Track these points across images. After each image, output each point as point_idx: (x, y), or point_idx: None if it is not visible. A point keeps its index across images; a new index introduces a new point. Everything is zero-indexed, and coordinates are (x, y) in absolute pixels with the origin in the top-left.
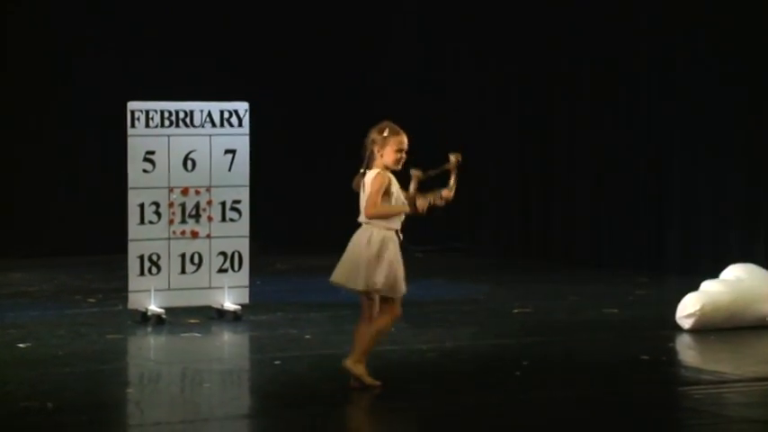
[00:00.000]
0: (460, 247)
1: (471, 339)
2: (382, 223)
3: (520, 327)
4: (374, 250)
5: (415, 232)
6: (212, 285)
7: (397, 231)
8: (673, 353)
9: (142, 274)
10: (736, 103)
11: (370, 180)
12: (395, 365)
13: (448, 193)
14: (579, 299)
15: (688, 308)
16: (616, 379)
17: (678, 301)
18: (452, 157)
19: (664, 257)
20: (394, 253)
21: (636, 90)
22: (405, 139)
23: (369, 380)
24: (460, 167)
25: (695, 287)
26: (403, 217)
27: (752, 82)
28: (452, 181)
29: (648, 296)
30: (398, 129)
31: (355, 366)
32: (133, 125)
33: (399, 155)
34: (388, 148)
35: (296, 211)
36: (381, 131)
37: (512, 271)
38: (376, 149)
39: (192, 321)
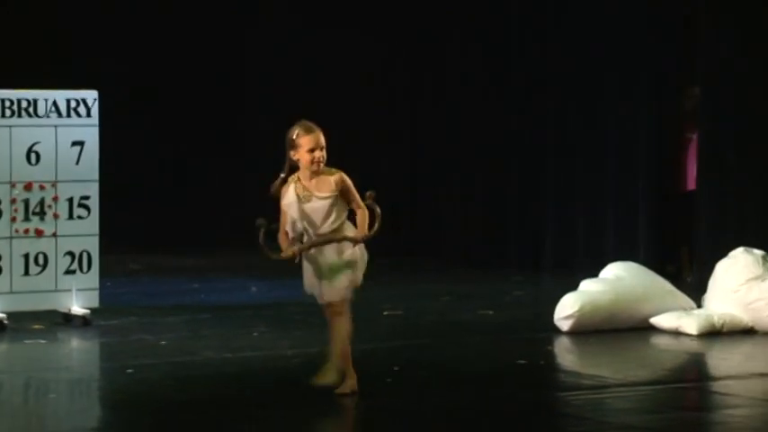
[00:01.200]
0: None
1: None
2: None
3: (390, 330)
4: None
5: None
6: (59, 288)
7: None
8: (551, 356)
9: None
10: (614, 99)
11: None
12: (257, 372)
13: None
14: (452, 300)
15: (566, 309)
16: (492, 385)
17: (556, 301)
18: (368, 194)
19: (540, 255)
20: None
21: (509, 85)
22: (318, 137)
23: None
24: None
25: (574, 287)
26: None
27: (625, 74)
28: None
29: (525, 297)
30: (311, 126)
31: None
32: None
33: (312, 155)
34: (302, 150)
35: (149, 208)
36: (292, 132)
37: (381, 270)
38: (292, 154)
39: (37, 327)
